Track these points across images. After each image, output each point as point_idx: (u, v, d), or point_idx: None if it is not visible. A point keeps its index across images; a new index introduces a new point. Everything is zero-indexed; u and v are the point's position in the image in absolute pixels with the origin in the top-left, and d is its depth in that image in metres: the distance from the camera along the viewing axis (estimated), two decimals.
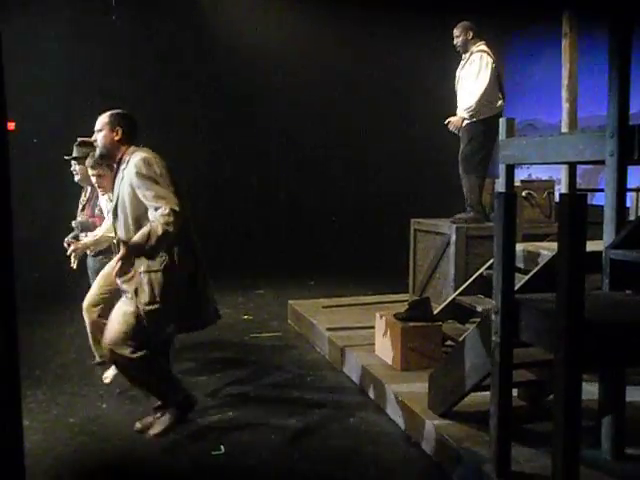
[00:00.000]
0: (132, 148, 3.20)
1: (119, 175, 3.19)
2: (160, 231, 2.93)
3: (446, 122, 5.33)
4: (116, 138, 3.21)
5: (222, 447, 3.22)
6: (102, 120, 3.25)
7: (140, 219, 3.09)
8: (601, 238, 2.80)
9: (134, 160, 3.10)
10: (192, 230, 3.27)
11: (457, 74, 5.38)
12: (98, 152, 3.28)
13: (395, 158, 8.98)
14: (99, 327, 3.75)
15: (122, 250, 2.99)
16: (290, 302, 6.04)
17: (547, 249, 3.65)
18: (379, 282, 6.98)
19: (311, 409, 3.76)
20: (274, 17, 8.12)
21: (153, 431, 3.30)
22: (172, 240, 3.02)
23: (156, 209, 2.97)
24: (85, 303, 3.99)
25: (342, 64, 8.65)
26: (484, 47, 5.18)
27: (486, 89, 5.06)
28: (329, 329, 4.97)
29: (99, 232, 4.06)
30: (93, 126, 3.32)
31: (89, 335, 4.02)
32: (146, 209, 3.04)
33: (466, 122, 5.24)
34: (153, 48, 7.98)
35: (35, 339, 5.18)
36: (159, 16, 7.94)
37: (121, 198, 3.16)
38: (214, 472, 3.06)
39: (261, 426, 3.50)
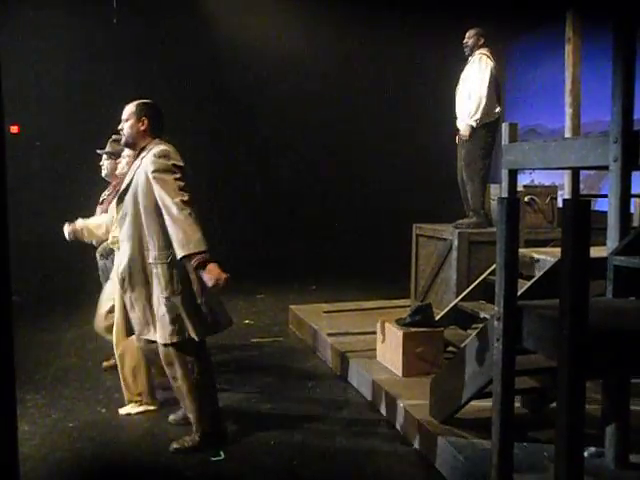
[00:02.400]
0: (157, 140, 3.20)
1: (137, 162, 3.19)
2: (193, 227, 2.91)
3: (457, 139, 5.37)
4: (142, 128, 3.20)
5: (222, 453, 3.19)
6: (129, 109, 3.25)
7: (147, 209, 3.06)
8: (603, 244, 2.78)
9: (154, 150, 3.09)
10: None
11: (461, 77, 5.38)
12: (124, 140, 3.28)
13: (397, 163, 8.98)
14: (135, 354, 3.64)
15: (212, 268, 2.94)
16: (291, 307, 6.02)
17: (550, 255, 3.62)
18: (381, 287, 6.96)
19: (312, 415, 3.73)
20: (276, 24, 8.11)
21: (176, 445, 3.22)
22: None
23: (174, 202, 2.94)
24: (102, 325, 3.89)
25: (344, 68, 8.67)
26: (486, 51, 5.22)
27: (487, 92, 5.06)
28: (330, 334, 4.94)
29: (94, 220, 3.98)
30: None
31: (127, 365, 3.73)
32: (155, 202, 3.02)
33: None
34: (156, 51, 7.99)
35: (35, 342, 5.16)
36: (162, 20, 7.94)
37: (134, 184, 3.12)
38: (214, 478, 3.03)
39: (261, 432, 3.48)
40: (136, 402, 3.72)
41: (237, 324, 5.98)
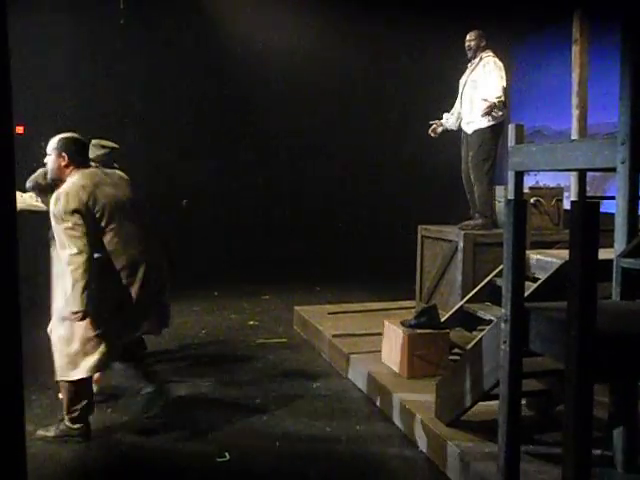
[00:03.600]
0: (74, 172, 3.28)
1: None
2: (72, 280, 3.05)
3: (430, 131, 5.49)
4: (63, 163, 3.30)
5: (227, 454, 3.19)
6: (51, 144, 3.35)
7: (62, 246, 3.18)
8: (610, 246, 2.76)
9: (56, 192, 3.20)
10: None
11: (463, 80, 5.37)
12: (49, 176, 3.40)
13: (403, 163, 8.97)
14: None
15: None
16: (296, 308, 6.02)
17: (556, 257, 3.61)
18: (385, 288, 6.95)
19: (317, 416, 3.73)
20: (278, 22, 8.12)
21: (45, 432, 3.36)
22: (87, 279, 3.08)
23: (64, 254, 3.09)
24: None
25: (348, 68, 8.66)
26: (491, 53, 5.22)
27: (505, 87, 5.08)
28: (335, 335, 4.94)
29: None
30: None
31: None
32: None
33: (474, 130, 5.23)
34: (160, 51, 8.00)
35: (40, 343, 5.16)
36: (167, 20, 7.96)
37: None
38: (219, 479, 3.03)
39: (266, 433, 3.48)
40: None
41: (242, 325, 6.00)
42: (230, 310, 6.60)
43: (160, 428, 3.52)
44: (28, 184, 4.06)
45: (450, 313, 4.35)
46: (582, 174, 3.96)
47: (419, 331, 4.00)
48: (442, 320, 4.20)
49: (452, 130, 5.57)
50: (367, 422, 3.66)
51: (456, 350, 4.11)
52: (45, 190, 4.00)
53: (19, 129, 7.35)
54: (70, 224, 3.09)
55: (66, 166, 3.29)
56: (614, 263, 2.66)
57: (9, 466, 1.42)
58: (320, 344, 5.14)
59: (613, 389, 2.71)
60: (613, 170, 2.77)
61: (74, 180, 3.23)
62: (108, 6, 7.53)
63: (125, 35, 7.63)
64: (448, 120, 5.53)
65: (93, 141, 4.05)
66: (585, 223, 2.01)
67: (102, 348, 3.20)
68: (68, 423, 3.33)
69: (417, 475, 3.09)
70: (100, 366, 3.27)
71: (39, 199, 4.06)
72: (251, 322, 6.12)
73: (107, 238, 3.23)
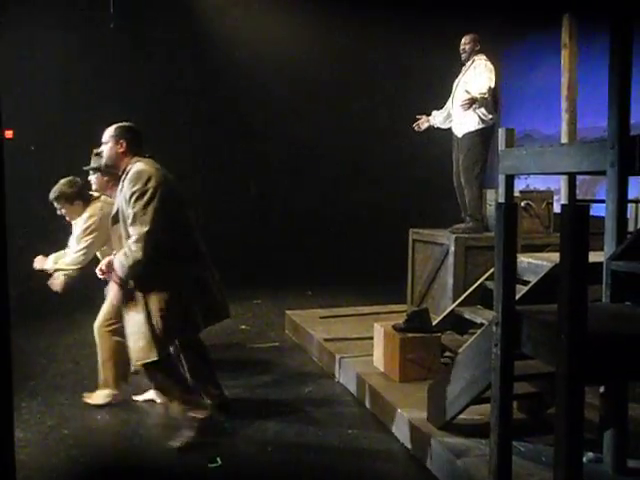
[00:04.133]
0: (135, 159, 3.32)
1: (120, 185, 3.32)
2: (130, 261, 3.09)
3: (416, 125, 5.53)
4: (120, 150, 3.34)
5: (218, 459, 3.17)
6: (108, 133, 3.39)
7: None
8: (600, 249, 2.78)
9: (130, 174, 3.24)
10: (188, 239, 3.39)
11: (456, 82, 5.39)
12: (104, 162, 3.45)
13: (394, 167, 8.98)
14: (116, 350, 3.74)
15: (114, 286, 3.20)
16: (287, 312, 6.01)
17: (546, 260, 3.63)
18: (377, 292, 6.95)
19: (309, 421, 3.72)
20: (272, 24, 8.12)
21: (174, 443, 3.28)
22: (147, 263, 3.11)
23: (130, 232, 3.13)
24: (96, 324, 3.91)
25: (341, 70, 8.67)
26: (484, 57, 5.25)
27: (493, 90, 5.09)
28: (326, 339, 4.93)
29: (63, 261, 4.03)
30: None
31: (100, 357, 3.89)
32: None
33: (464, 133, 5.25)
34: (152, 56, 7.99)
35: (31, 348, 5.14)
36: (158, 25, 7.95)
37: (120, 207, 3.27)
38: None
39: (258, 438, 3.46)
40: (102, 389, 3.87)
41: (233, 329, 5.98)
42: None
43: (150, 435, 3.49)
44: (52, 195, 4.09)
45: (441, 317, 4.36)
46: (572, 177, 3.99)
47: (410, 335, 4.00)
48: (433, 324, 4.20)
49: (439, 128, 5.58)
50: (359, 426, 3.65)
51: (447, 353, 4.11)
52: (71, 198, 4.05)
53: (8, 133, 7.31)
54: (147, 199, 3.11)
55: (123, 153, 3.33)
56: (604, 266, 2.67)
57: None
58: (311, 348, 5.13)
59: (604, 391, 2.72)
60: (603, 173, 2.79)
61: (143, 165, 3.25)
62: (99, 10, 7.51)
63: (115, 39, 7.60)
64: (436, 117, 5.54)
65: (95, 150, 4.04)
66: (575, 226, 2.02)
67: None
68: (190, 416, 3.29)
69: (407, 477, 3.08)
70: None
71: (63, 210, 4.09)
72: (243, 326, 6.10)
73: (175, 226, 3.26)
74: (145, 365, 3.21)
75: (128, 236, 3.18)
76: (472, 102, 5.03)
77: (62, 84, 7.45)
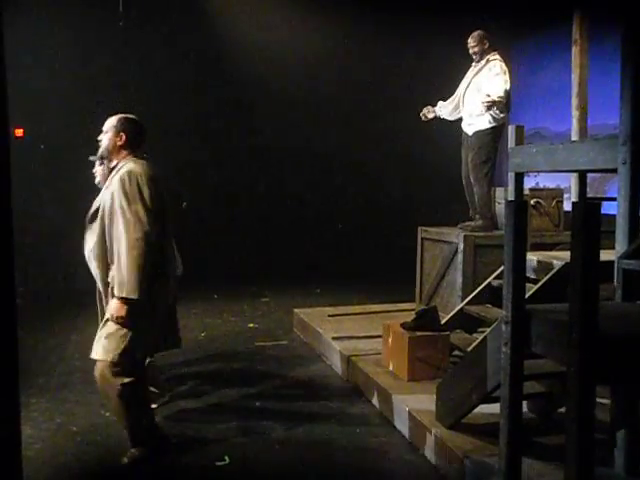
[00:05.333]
0: (130, 156, 3.17)
1: (108, 181, 3.16)
2: (134, 264, 2.88)
3: (422, 115, 5.50)
4: (119, 143, 3.19)
5: (226, 458, 3.17)
6: (110, 122, 3.24)
7: (110, 230, 3.03)
8: (610, 247, 2.75)
9: (121, 172, 3.07)
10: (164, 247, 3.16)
11: (466, 79, 5.34)
12: (99, 152, 3.26)
13: (402, 165, 8.95)
14: None
15: (119, 307, 2.95)
16: (296, 310, 6.00)
17: (557, 258, 3.59)
18: (385, 290, 6.93)
19: (317, 419, 3.71)
20: (277, 21, 8.11)
21: (124, 459, 3.14)
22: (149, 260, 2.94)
23: (126, 238, 2.92)
24: None
25: (348, 69, 8.65)
26: (497, 56, 5.20)
27: (508, 91, 5.06)
28: (335, 338, 4.92)
29: None
30: (101, 132, 3.31)
31: None
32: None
33: (474, 131, 5.23)
34: (160, 53, 8.00)
35: (39, 346, 5.16)
36: (166, 22, 7.96)
37: (102, 204, 3.10)
38: None
39: (266, 437, 3.46)
40: None
41: (242, 327, 5.99)
42: (230, 313, 6.58)
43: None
44: (95, 160, 3.95)
45: (450, 315, 4.34)
46: (583, 175, 3.95)
47: (419, 333, 3.98)
48: (442, 322, 4.18)
49: (445, 119, 5.54)
50: (367, 425, 3.64)
51: (456, 352, 4.09)
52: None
53: (19, 132, 7.34)
54: (139, 202, 2.95)
55: (121, 146, 3.17)
56: (615, 264, 2.64)
57: (5, 469, 1.41)
58: (320, 347, 5.12)
59: (615, 391, 2.69)
60: (614, 171, 2.75)
61: (137, 166, 3.08)
62: (107, 9, 7.52)
63: (124, 37, 7.61)
64: (442, 108, 5.50)
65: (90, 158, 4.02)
66: (586, 224, 1.99)
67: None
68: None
69: (418, 478, 3.07)
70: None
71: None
72: (251, 325, 6.10)
73: (163, 235, 3.08)
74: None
75: (100, 240, 3.05)
76: (492, 105, 5.02)
77: (72, 83, 7.48)
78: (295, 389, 4.27)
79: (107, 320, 3.07)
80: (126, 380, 3.02)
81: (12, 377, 1.37)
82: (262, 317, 6.43)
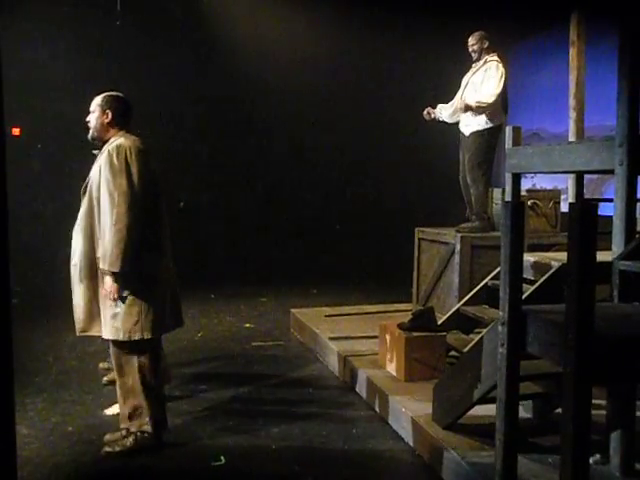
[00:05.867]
0: (121, 132, 3.18)
1: (99, 156, 3.17)
2: (117, 238, 2.90)
3: (426, 113, 5.46)
4: (106, 121, 3.19)
5: (222, 458, 3.17)
6: (95, 101, 3.25)
7: (99, 203, 3.05)
8: (608, 248, 2.75)
9: (110, 146, 3.07)
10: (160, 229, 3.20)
11: (465, 80, 5.36)
12: (90, 133, 3.26)
13: (399, 166, 8.96)
14: None
15: (110, 283, 3.00)
16: (293, 311, 6.00)
17: (554, 259, 3.60)
18: (382, 291, 6.94)
19: (314, 419, 3.71)
20: (276, 20, 8.10)
21: (109, 448, 3.18)
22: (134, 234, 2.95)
23: (111, 211, 2.95)
24: None
25: (346, 69, 8.65)
26: (496, 57, 5.20)
27: (501, 95, 5.07)
28: (332, 338, 4.92)
29: None
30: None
31: None
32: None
33: (471, 132, 5.23)
34: (157, 51, 7.98)
35: (36, 345, 5.15)
36: (163, 20, 7.95)
37: (91, 177, 3.12)
38: None
39: (262, 437, 3.45)
40: None
41: (239, 327, 5.98)
42: (226, 313, 6.58)
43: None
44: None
45: (447, 316, 4.34)
46: (580, 176, 3.96)
47: (416, 334, 3.98)
48: (439, 323, 4.18)
49: (444, 122, 5.54)
50: (364, 425, 3.64)
51: (453, 353, 4.09)
52: None
53: (16, 131, 7.33)
54: (125, 176, 2.96)
55: (109, 124, 3.18)
56: (612, 265, 2.65)
57: (0, 470, 1.40)
58: (317, 347, 5.12)
59: (611, 392, 2.70)
60: (611, 172, 2.77)
61: (127, 140, 3.08)
62: (104, 8, 7.51)
63: (122, 36, 7.60)
64: (442, 111, 5.50)
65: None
66: (583, 225, 2.00)
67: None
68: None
69: (414, 479, 3.07)
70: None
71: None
72: (247, 325, 6.09)
73: (155, 211, 3.11)
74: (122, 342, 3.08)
75: (90, 212, 3.06)
76: (467, 109, 5.10)
77: (69, 82, 7.45)
78: (292, 389, 4.27)
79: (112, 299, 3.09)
80: (142, 357, 3.11)
81: (7, 377, 1.37)
82: (259, 317, 6.43)
